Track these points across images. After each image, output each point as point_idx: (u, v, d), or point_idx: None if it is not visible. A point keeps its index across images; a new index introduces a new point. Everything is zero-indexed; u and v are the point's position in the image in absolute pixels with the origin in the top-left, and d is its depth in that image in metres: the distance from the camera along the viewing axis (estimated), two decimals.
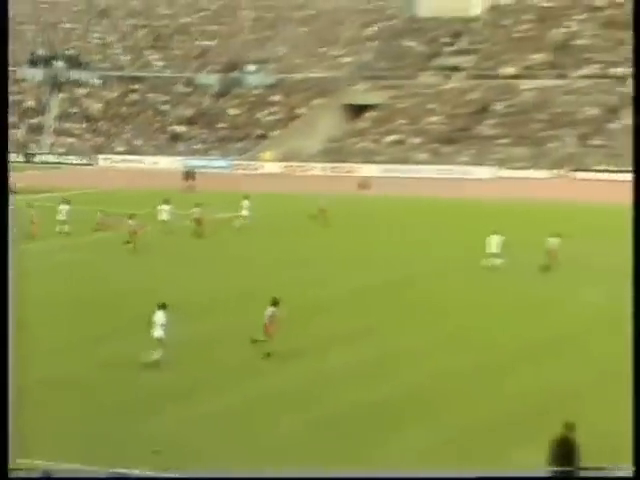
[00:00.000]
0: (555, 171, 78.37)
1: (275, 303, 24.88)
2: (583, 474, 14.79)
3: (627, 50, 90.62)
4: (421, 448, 19.14)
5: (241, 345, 25.71)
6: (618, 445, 18.27)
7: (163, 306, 24.24)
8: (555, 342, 27.07)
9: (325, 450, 19.01)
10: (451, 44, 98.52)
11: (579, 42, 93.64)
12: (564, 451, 14.95)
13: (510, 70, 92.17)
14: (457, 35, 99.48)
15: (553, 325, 29.05)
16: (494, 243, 37.39)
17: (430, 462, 18.12)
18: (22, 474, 14.33)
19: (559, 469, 14.86)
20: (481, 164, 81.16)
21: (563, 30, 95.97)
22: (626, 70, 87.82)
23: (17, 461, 14.29)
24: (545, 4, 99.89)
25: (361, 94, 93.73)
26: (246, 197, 49.04)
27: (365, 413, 21.15)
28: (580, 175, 76.58)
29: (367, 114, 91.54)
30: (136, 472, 16.23)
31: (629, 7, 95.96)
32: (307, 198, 55.45)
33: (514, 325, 29.00)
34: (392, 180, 74.83)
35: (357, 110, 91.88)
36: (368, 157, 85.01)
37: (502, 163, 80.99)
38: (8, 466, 13.47)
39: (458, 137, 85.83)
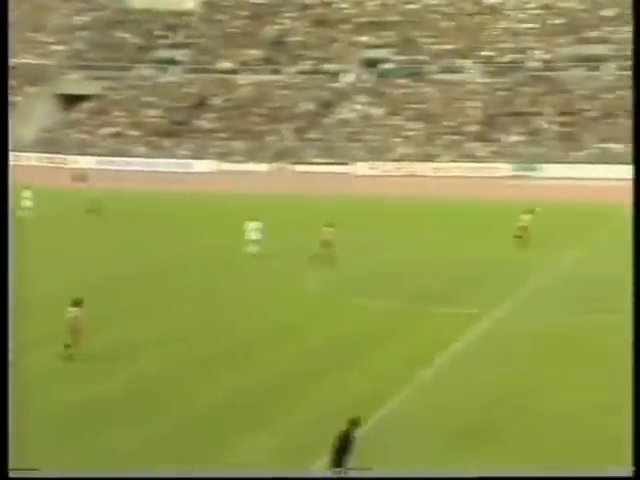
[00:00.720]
0: (274, 164, 79.72)
1: (77, 303, 22.88)
2: (571, 474, 14.58)
3: (338, 47, 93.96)
4: (138, 445, 18.05)
5: None
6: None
7: None
8: (290, 329, 26.83)
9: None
10: (166, 37, 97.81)
11: (292, 39, 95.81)
12: (342, 445, 14.99)
13: (227, 65, 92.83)
14: (172, 28, 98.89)
15: (289, 312, 28.97)
16: (252, 230, 37.44)
17: (145, 459, 17.24)
18: (22, 474, 13.79)
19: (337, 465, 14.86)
20: (201, 157, 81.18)
21: (276, 27, 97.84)
22: (337, 66, 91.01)
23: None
24: (257, 1, 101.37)
25: (75, 84, 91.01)
26: (26, 187, 46.49)
27: (81, 410, 19.86)
28: (299, 168, 78.37)
29: (82, 105, 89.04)
30: None
31: (337, 6, 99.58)
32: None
33: (256, 313, 28.78)
34: (111, 173, 73.23)
35: (71, 100, 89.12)
36: (84, 149, 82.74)
37: (222, 157, 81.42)
38: (8, 466, 13.41)
39: (177, 131, 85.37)
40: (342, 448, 14.80)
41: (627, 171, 76.33)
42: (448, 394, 20.95)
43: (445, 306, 29.10)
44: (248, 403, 20.50)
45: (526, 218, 40.75)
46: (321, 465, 16.16)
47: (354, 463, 14.84)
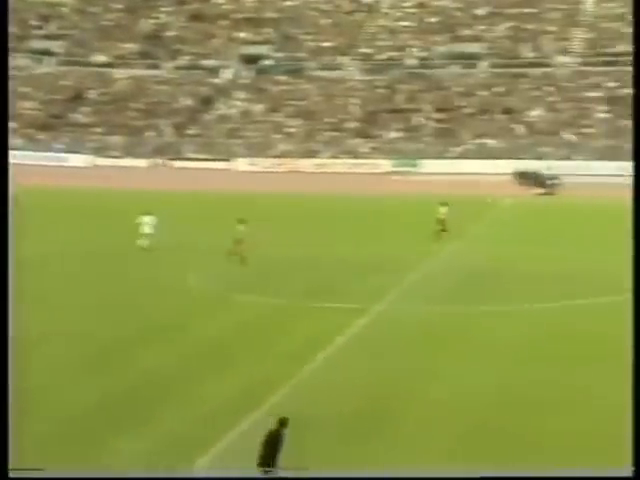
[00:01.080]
0: (152, 160, 78.85)
1: None
2: (574, 474, 14.43)
3: (216, 43, 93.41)
4: None
5: None
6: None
7: None
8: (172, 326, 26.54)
9: None
10: (40, 27, 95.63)
11: (169, 33, 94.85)
12: (272, 444, 15.05)
13: (102, 58, 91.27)
14: (45, 19, 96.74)
15: (173, 308, 28.60)
16: (145, 224, 37.06)
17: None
18: (22, 474, 13.40)
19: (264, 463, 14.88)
20: (77, 152, 79.78)
21: (152, 21, 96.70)
22: (215, 62, 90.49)
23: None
24: None
25: None
26: None
27: None
28: (178, 164, 77.72)
29: None
30: None
31: (214, 1, 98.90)
32: None
33: (140, 308, 28.39)
34: None
35: None
36: None
37: (98, 151, 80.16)
38: (8, 466, 13.18)
39: (53, 124, 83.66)
40: (272, 447, 14.89)
41: (501, 166, 78.31)
42: (331, 389, 21.01)
43: (329, 301, 29.22)
44: (127, 401, 20.14)
45: (443, 210, 41.14)
46: (203, 464, 16.08)
47: (285, 463, 14.83)
